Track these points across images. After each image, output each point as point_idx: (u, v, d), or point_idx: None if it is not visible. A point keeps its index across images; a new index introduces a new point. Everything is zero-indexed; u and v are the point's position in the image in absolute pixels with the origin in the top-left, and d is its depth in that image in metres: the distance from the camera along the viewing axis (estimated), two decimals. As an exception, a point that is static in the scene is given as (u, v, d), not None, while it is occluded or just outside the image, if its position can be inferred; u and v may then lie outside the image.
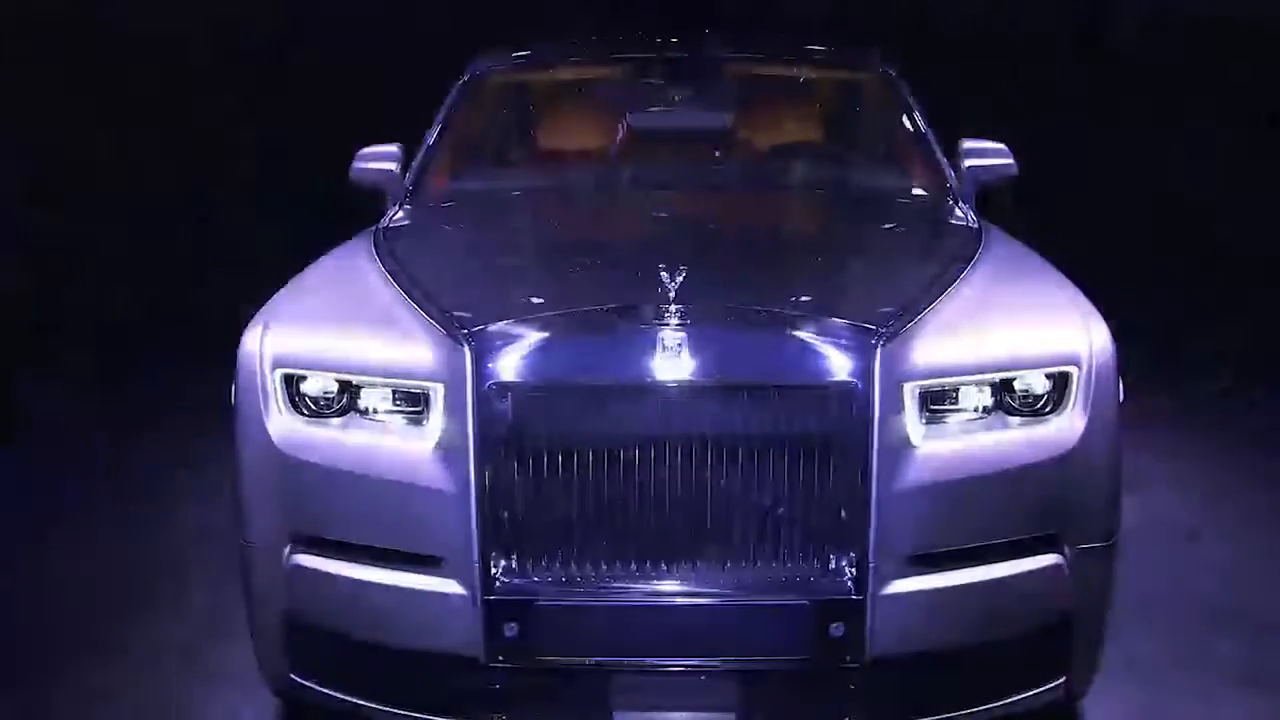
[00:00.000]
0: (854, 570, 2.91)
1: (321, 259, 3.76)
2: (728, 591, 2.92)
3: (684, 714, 3.00)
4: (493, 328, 2.97)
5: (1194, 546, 4.87)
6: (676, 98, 4.72)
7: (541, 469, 2.90)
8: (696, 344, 2.89)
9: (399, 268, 3.45)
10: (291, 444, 3.08)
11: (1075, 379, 3.07)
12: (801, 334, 2.94)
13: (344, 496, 3.05)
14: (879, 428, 2.89)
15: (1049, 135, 8.23)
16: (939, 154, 4.52)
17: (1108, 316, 3.22)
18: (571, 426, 2.90)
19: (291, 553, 3.10)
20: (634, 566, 2.93)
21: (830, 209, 4.25)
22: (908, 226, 4.08)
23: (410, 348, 3.03)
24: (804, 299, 3.13)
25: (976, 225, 4.04)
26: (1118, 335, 3.18)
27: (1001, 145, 4.64)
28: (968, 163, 4.57)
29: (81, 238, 8.45)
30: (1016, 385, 3.08)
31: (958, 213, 4.18)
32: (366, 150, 4.63)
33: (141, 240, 8.63)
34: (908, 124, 4.64)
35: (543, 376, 2.91)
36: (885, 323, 2.98)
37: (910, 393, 2.96)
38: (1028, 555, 3.06)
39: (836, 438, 2.89)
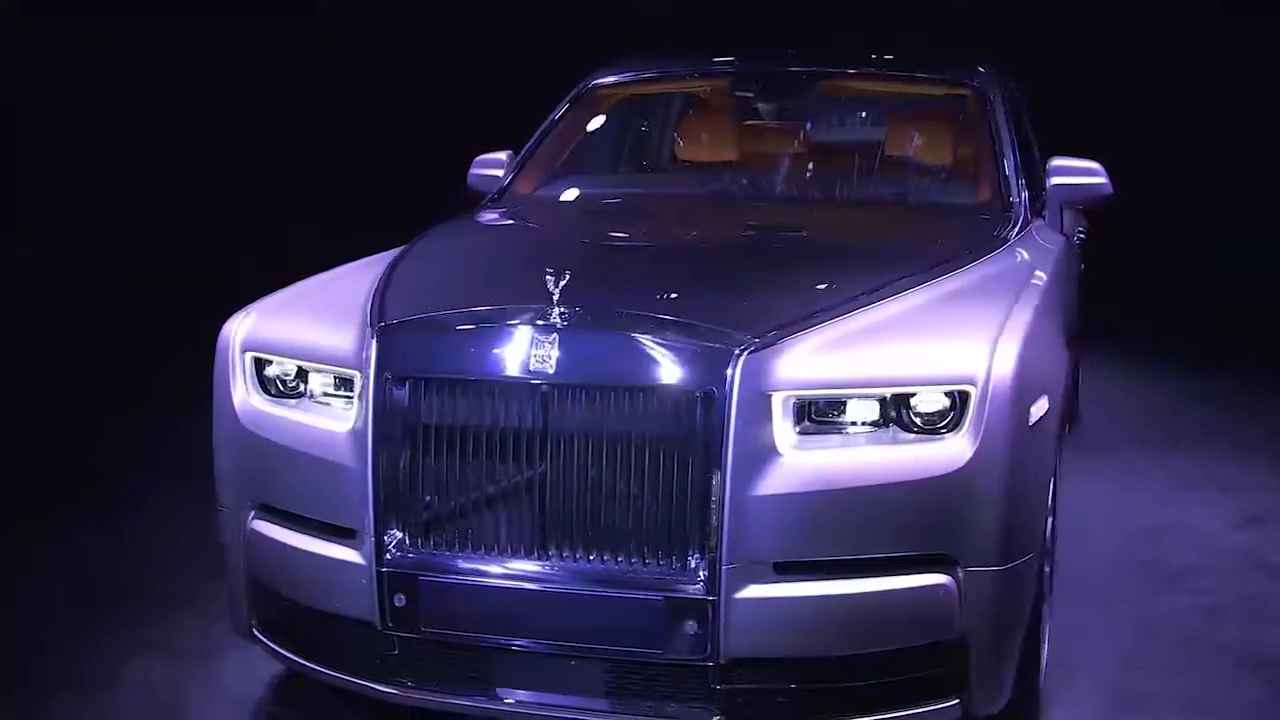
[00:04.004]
0: (707, 571, 2.99)
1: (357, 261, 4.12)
2: (593, 582, 3.06)
3: (559, 696, 3.16)
4: (394, 322, 3.23)
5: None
6: (761, 114, 4.88)
7: (429, 455, 3.13)
8: (569, 345, 3.05)
9: (392, 268, 3.74)
10: (252, 420, 3.45)
11: (971, 400, 3.03)
12: (666, 340, 3.04)
13: (286, 470, 3.38)
14: (736, 434, 2.96)
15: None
16: (1010, 169, 4.46)
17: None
18: (455, 417, 3.11)
19: (251, 519, 3.46)
20: (509, 551, 3.10)
21: (832, 222, 4.30)
22: (904, 240, 4.07)
23: (342, 338, 3.33)
24: (685, 307, 3.21)
25: (1008, 241, 4.00)
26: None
27: (1094, 165, 4.58)
28: (1052, 180, 4.54)
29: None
30: (913, 403, 3.07)
31: (996, 229, 4.12)
32: (481, 157, 4.99)
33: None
34: (985, 138, 4.59)
35: (431, 369, 3.14)
36: (757, 333, 3.04)
37: (781, 402, 3.01)
38: (913, 573, 3.05)
39: (693, 441, 2.98)
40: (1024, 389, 3.09)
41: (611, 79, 5.10)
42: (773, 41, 5.52)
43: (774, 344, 3.04)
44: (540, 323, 3.08)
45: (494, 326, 3.15)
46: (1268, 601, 4.50)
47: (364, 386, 3.21)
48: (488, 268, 3.77)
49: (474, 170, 4.99)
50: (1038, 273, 3.86)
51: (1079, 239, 5.38)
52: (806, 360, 3.05)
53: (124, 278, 9.67)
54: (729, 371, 2.97)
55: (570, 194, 4.76)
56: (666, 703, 3.09)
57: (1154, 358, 8.10)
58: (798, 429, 3.04)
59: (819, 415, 3.07)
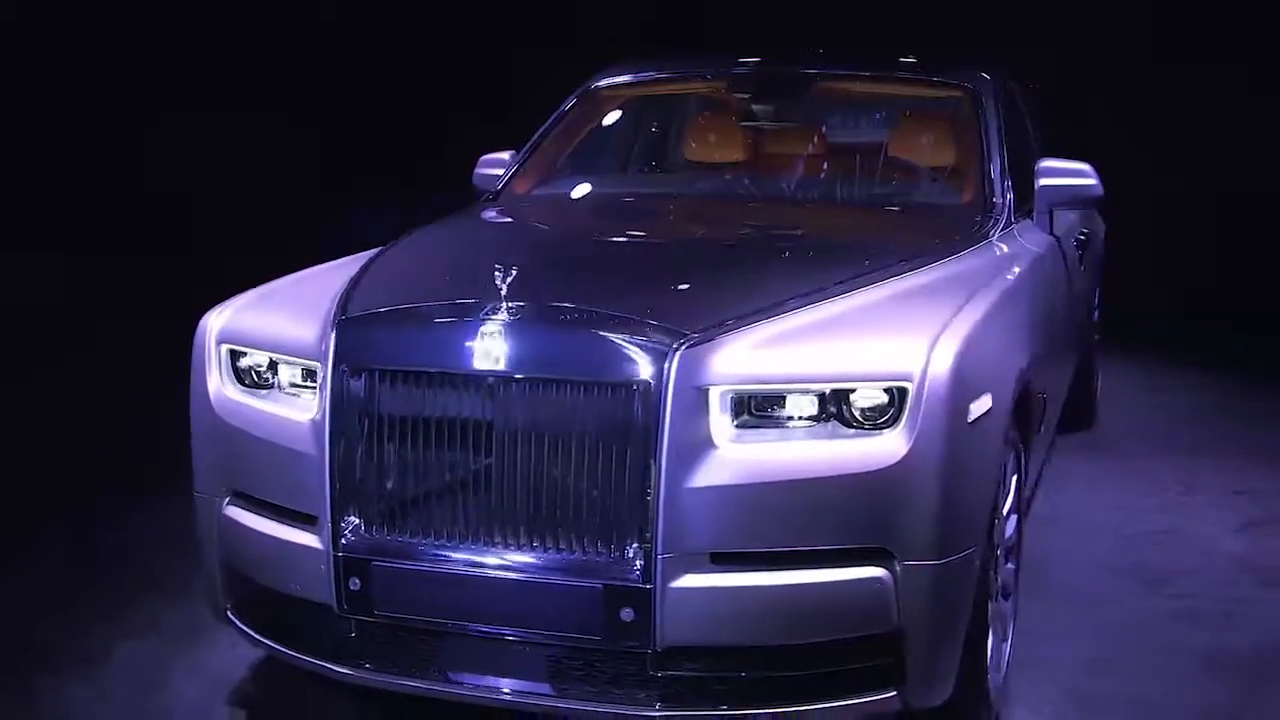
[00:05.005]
0: (643, 561, 3.07)
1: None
2: (536, 570, 3.14)
3: (506, 681, 3.25)
4: (352, 316, 3.34)
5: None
6: (751, 117, 4.96)
7: (383, 444, 3.23)
8: (514, 340, 3.14)
9: (365, 266, 3.85)
10: (226, 409, 3.57)
11: (909, 397, 3.09)
12: (606, 335, 3.12)
13: (256, 458, 3.50)
14: (672, 427, 3.04)
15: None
16: (996, 172, 4.50)
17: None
18: (408, 408, 3.21)
19: (225, 505, 3.59)
20: (458, 539, 3.20)
21: (804, 222, 4.38)
22: (871, 240, 4.13)
23: (307, 331, 3.44)
24: (629, 303, 3.29)
25: (980, 242, 4.05)
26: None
27: (1084, 166, 4.61)
28: (1040, 182, 4.58)
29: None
30: (853, 399, 3.13)
31: (972, 230, 4.16)
32: (486, 157, 5.12)
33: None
34: (974, 141, 4.63)
35: (385, 361, 3.25)
36: (696, 328, 3.12)
37: (718, 396, 3.09)
38: (850, 565, 3.11)
39: (631, 434, 3.06)
40: (962, 387, 3.13)
41: (610, 81, 5.20)
42: (774, 45, 5.53)
43: (712, 340, 3.11)
44: (487, 318, 3.17)
45: (444, 321, 3.25)
46: (1248, 607, 4.50)
47: (323, 378, 3.32)
48: (453, 265, 3.87)
49: (478, 170, 5.12)
50: (1005, 273, 3.90)
51: (1079, 239, 5.39)
52: (744, 356, 3.11)
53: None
54: (665, 366, 3.05)
55: (559, 193, 4.87)
56: (608, 689, 3.16)
57: (1185, 361, 8.06)
58: (736, 423, 3.10)
59: (758, 410, 3.13)
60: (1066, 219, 5.11)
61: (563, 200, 4.83)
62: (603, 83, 5.22)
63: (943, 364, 3.10)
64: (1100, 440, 6.50)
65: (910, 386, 3.09)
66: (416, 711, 3.54)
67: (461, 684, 3.28)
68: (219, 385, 3.60)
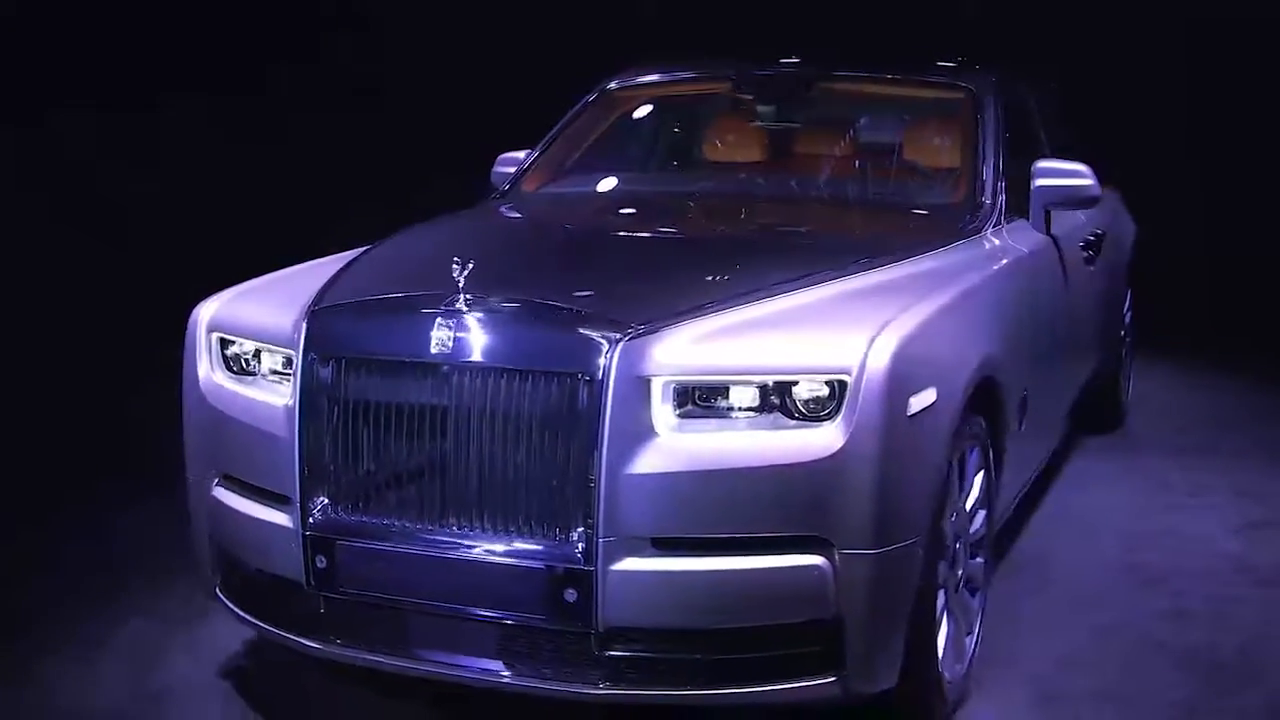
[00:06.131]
0: (585, 544, 3.18)
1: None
2: (487, 550, 3.27)
3: (464, 658, 3.38)
4: (323, 307, 3.51)
5: None
6: (752, 119, 5.06)
7: (348, 428, 3.39)
8: (468, 330, 3.27)
9: (352, 260, 4.01)
10: (215, 395, 3.75)
11: (848, 390, 3.17)
12: (552, 326, 3.27)
13: (240, 441, 3.67)
14: (613, 416, 3.15)
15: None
16: (988, 172, 4.56)
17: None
18: (371, 394, 3.36)
19: (213, 487, 3.77)
20: (415, 520, 3.34)
21: (781, 220, 4.48)
22: (842, 238, 4.22)
23: (286, 321, 3.60)
24: (581, 296, 3.41)
25: (957, 241, 4.12)
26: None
27: (1080, 167, 4.65)
28: (1035, 182, 4.63)
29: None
30: (796, 391, 3.22)
31: (952, 229, 4.24)
32: (503, 156, 5.30)
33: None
34: (969, 141, 4.69)
35: (350, 349, 3.40)
36: (640, 321, 3.23)
37: (661, 386, 3.19)
38: (790, 552, 3.19)
39: (575, 422, 3.18)
40: (902, 381, 3.20)
41: (619, 83, 5.32)
42: (775, 46, 5.61)
43: (655, 332, 3.22)
44: (445, 309, 3.31)
45: (406, 312, 3.41)
46: (1235, 606, 4.49)
47: (296, 365, 3.48)
48: (428, 260, 4.01)
49: (496, 168, 5.29)
50: (976, 270, 3.96)
51: (1089, 240, 5.39)
52: (686, 348, 3.22)
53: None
54: (607, 357, 3.16)
55: (558, 192, 4.99)
56: (555, 668, 3.28)
57: (1215, 363, 7.98)
58: (678, 412, 3.21)
59: (702, 400, 3.23)
60: (1073, 219, 5.13)
61: (557, 198, 4.96)
62: (615, 84, 5.35)
63: (881, 358, 3.18)
64: (1125, 442, 6.47)
65: (849, 380, 3.17)
66: (401, 688, 3.65)
67: (421, 660, 3.41)
68: (208, 372, 3.79)
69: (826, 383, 3.20)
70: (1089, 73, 9.28)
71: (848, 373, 3.17)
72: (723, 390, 3.23)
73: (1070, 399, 5.51)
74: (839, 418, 3.16)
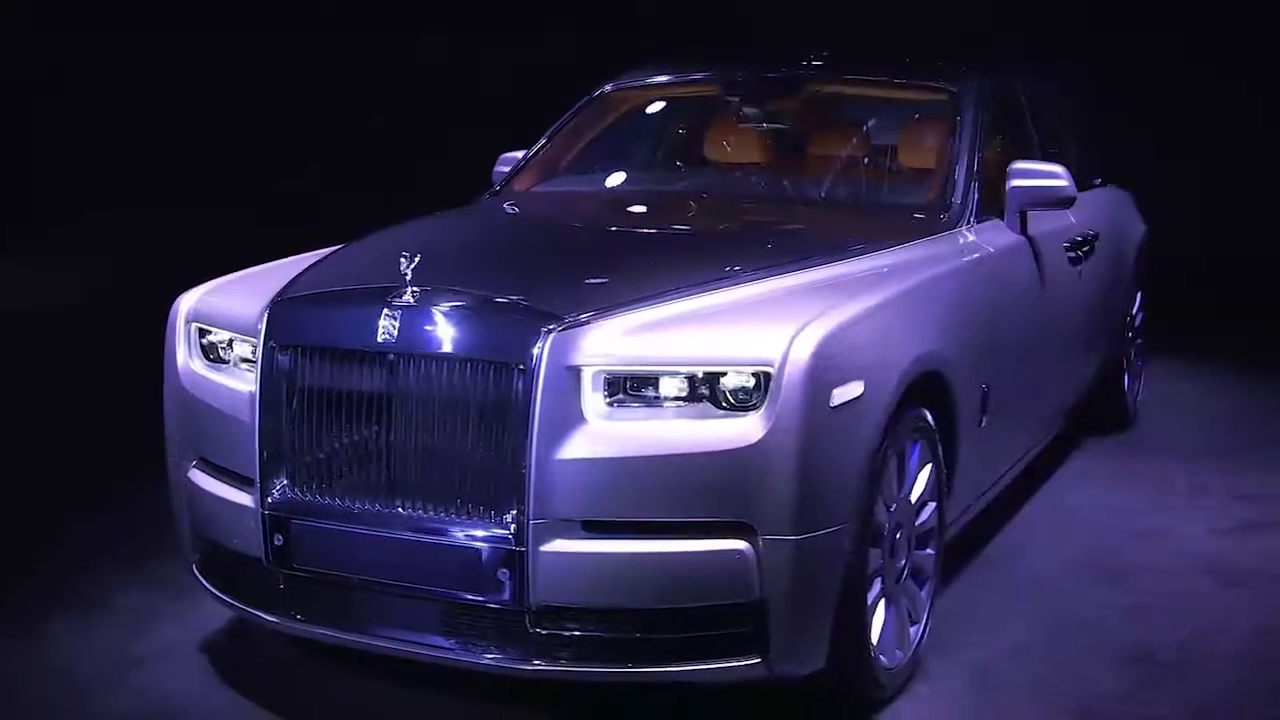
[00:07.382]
0: (516, 526, 3.34)
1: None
2: (428, 531, 3.44)
3: (411, 634, 3.54)
4: (282, 299, 3.70)
5: None
6: (737, 120, 5.19)
7: (304, 413, 3.58)
8: (410, 320, 3.45)
9: (324, 256, 4.20)
10: (191, 382, 3.97)
11: (771, 381, 3.30)
12: (488, 317, 3.45)
13: (212, 426, 3.88)
14: (544, 403, 3.31)
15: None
16: (961, 173, 4.64)
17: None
18: (323, 381, 3.55)
19: (190, 470, 3.97)
20: (362, 500, 3.52)
21: (739, 219, 4.62)
22: (795, 236, 4.34)
23: (253, 311, 3.80)
24: (513, 288, 3.56)
25: (914, 240, 4.23)
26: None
27: (1056, 168, 4.73)
28: (1011, 183, 4.70)
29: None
30: (724, 382, 3.35)
31: (912, 228, 4.34)
32: (504, 155, 5.48)
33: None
34: (945, 142, 4.77)
35: (305, 339, 3.60)
36: (572, 312, 3.38)
37: (591, 375, 3.34)
38: (715, 537, 3.33)
39: (508, 408, 3.34)
40: (824, 373, 3.32)
41: (613, 87, 5.46)
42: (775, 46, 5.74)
43: (586, 323, 3.37)
44: (392, 300, 3.49)
45: (355, 303, 3.60)
46: (1199, 604, 4.54)
47: (258, 353, 3.67)
48: (395, 254, 4.18)
49: (496, 168, 5.48)
50: (927, 268, 4.06)
51: (1077, 240, 5.43)
52: (617, 339, 3.37)
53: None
54: (539, 347, 3.32)
55: (542, 191, 5.15)
56: (493, 644, 3.44)
57: (1228, 364, 7.96)
58: (608, 400, 3.36)
59: (633, 389, 3.38)
60: (1059, 220, 5.17)
61: (539, 197, 5.12)
62: (610, 87, 5.49)
63: (803, 351, 3.30)
64: (1132, 442, 6.48)
65: (773, 371, 3.29)
66: (379, 664, 3.78)
67: (371, 635, 3.59)
68: (186, 360, 4.00)
69: (753, 374, 3.33)
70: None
71: (771, 365, 3.29)
72: (653, 380, 3.37)
73: (1061, 398, 5.56)
74: (763, 408, 3.29)
